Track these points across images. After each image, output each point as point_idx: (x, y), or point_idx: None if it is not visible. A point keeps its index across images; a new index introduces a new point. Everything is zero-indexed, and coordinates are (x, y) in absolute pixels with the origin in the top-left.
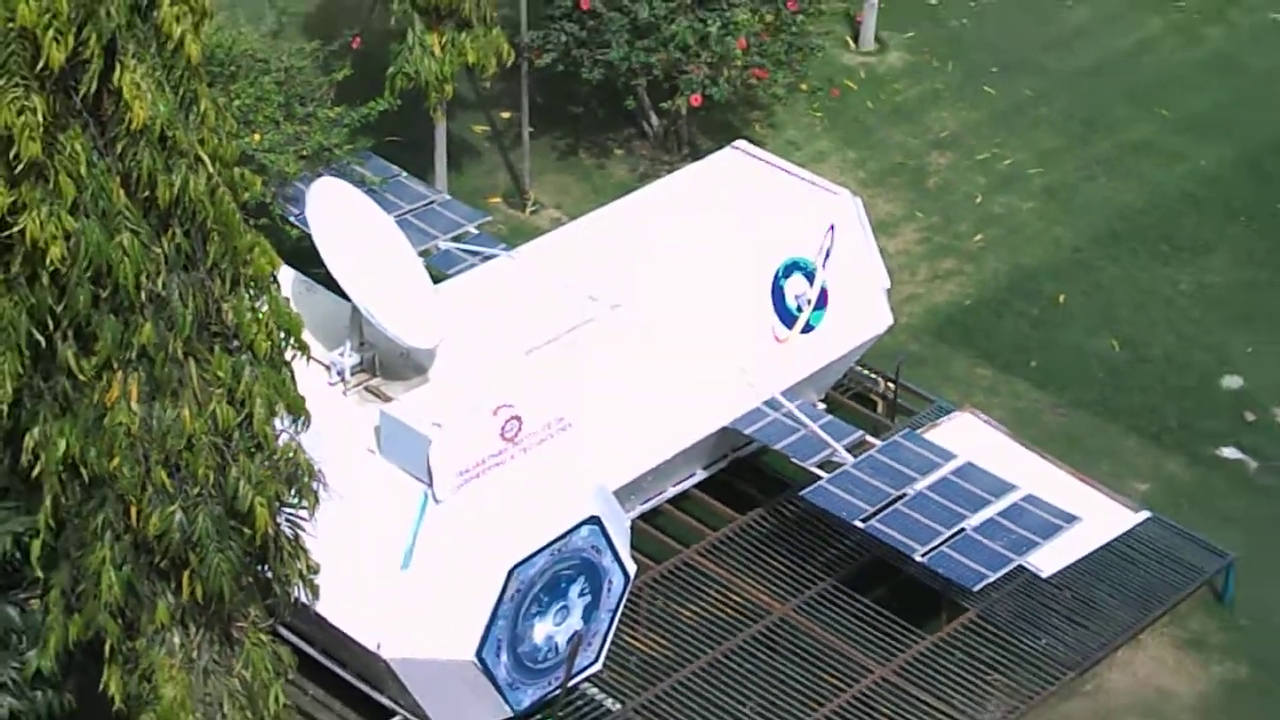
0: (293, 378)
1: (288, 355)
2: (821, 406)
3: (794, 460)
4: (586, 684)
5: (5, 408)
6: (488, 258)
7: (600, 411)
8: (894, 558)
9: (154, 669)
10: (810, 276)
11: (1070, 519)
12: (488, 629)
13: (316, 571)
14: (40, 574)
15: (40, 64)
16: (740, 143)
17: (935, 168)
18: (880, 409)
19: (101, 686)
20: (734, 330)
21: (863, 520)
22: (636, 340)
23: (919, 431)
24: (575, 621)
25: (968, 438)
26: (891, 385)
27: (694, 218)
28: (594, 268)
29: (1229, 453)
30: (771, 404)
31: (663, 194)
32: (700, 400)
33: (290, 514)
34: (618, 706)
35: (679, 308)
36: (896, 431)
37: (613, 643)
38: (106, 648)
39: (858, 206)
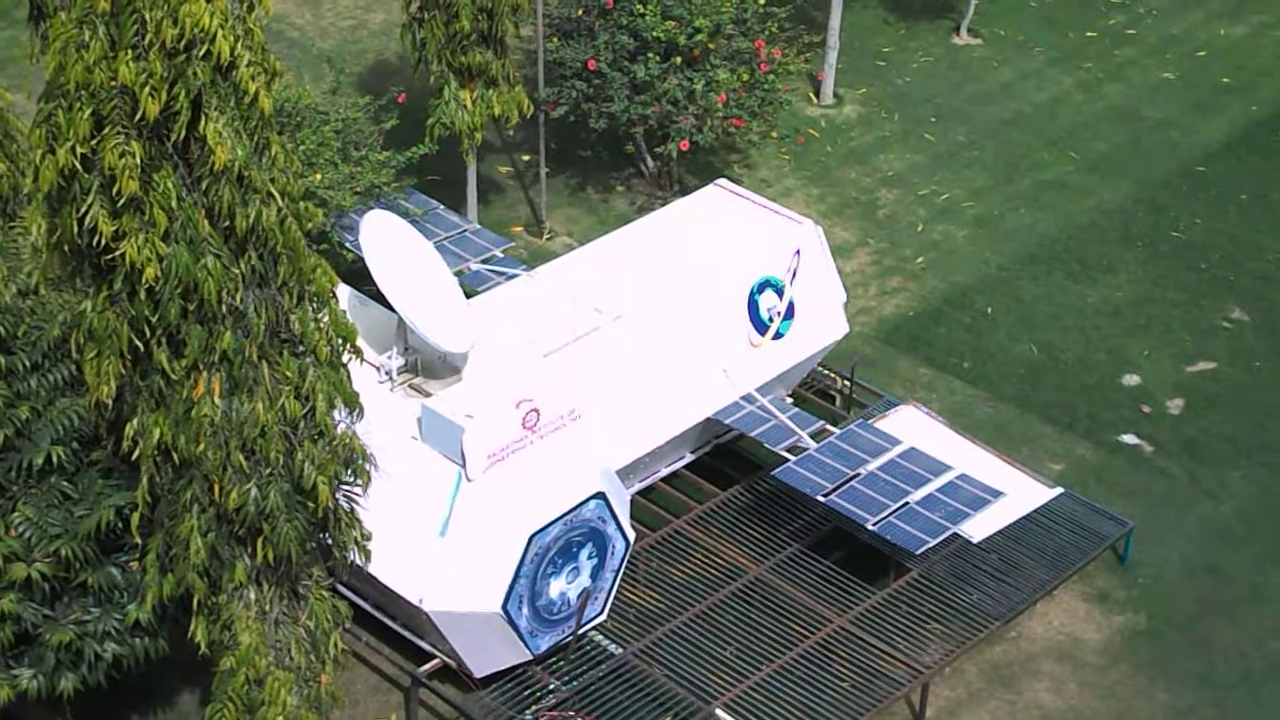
0: (349, 377)
1: (344, 358)
2: (789, 400)
3: (766, 445)
4: (594, 632)
5: (110, 402)
6: (511, 277)
7: (605, 404)
8: (850, 526)
9: (233, 620)
10: (780, 292)
11: (996, 494)
12: (511, 586)
13: (369, 539)
14: (139, 540)
15: (138, 115)
16: (721, 181)
17: (884, 201)
18: (838, 403)
19: (190, 634)
20: (716, 337)
21: (824, 495)
22: (635, 345)
23: (870, 421)
24: (584, 580)
25: (911, 427)
26: (847, 383)
27: (682, 243)
28: (600, 285)
29: (1128, 439)
30: (747, 398)
31: (657, 223)
32: (688, 395)
33: (347, 490)
34: (619, 650)
35: (670, 318)
36: (851, 421)
37: (615, 598)
38: (194, 602)
39: (819, 234)
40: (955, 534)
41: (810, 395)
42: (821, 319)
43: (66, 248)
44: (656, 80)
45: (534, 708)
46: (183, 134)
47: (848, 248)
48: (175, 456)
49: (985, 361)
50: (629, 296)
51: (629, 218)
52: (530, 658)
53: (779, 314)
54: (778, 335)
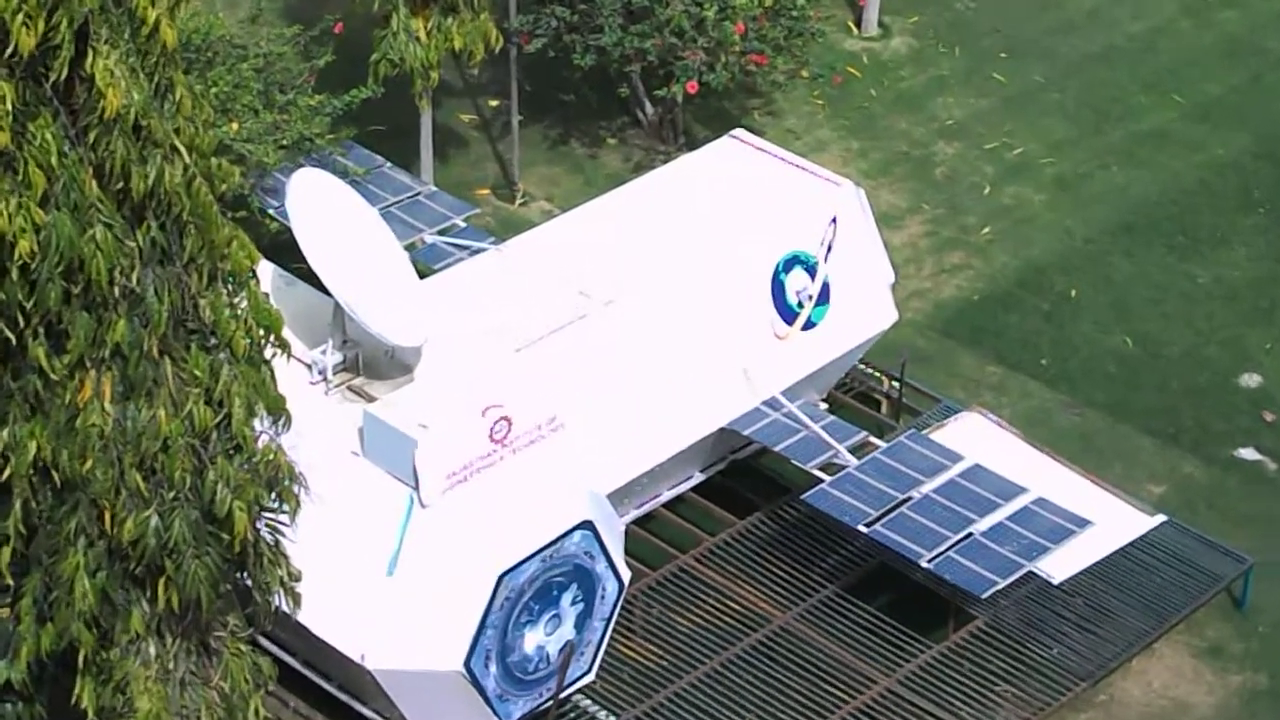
0: (273, 377)
1: (267, 353)
2: (823, 407)
3: (795, 462)
4: (579, 695)
5: None
6: (475, 252)
7: (593, 412)
8: (899, 564)
9: (129, 680)
10: (811, 271)
11: (1082, 523)
12: (476, 638)
13: (298, 579)
14: (10, 581)
15: (9, 50)
16: (738, 131)
17: (942, 157)
18: (884, 409)
19: (74, 699)
20: (732, 327)
21: (866, 525)
22: (631, 338)
23: (925, 432)
24: (567, 630)
25: (976, 438)
26: (896, 384)
27: (690, 210)
28: (586, 262)
29: (1247, 454)
30: (771, 404)
31: (658, 185)
32: (697, 400)
33: (270, 519)
34: (612, 719)
35: (675, 304)
36: (901, 432)
37: (606, 652)
38: (80, 658)
39: (860, 198)
40: (1031, 573)
41: (849, 400)
42: (863, 305)
43: None
44: (658, 5)
45: None
46: (65, 73)
47: (896, 215)
48: (56, 476)
49: (1068, 357)
50: (623, 277)
51: (622, 178)
52: None
53: (810, 298)
54: (809, 325)
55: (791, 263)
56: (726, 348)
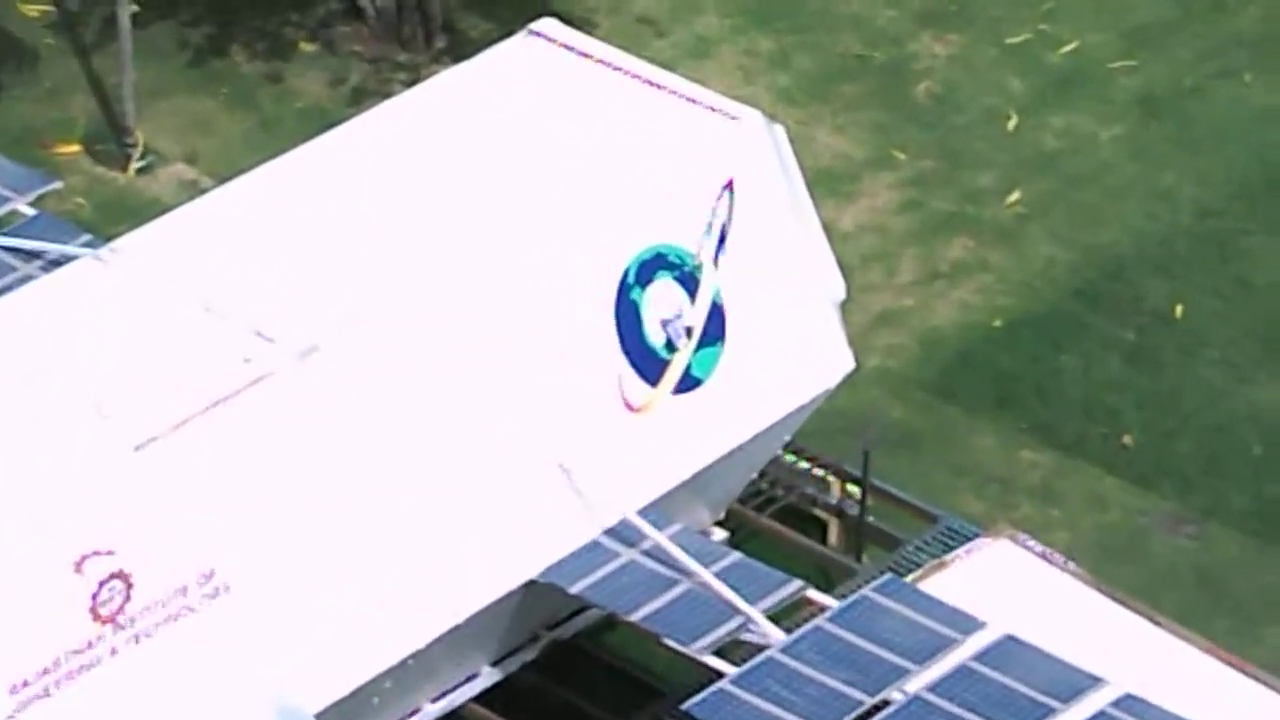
0: None
1: None
2: (719, 536)
3: (669, 641)
4: None
5: None
6: (57, 261)
7: (284, 561)
8: None
9: None
10: (689, 283)
11: None
12: None
13: None
14: None
15: None
16: (545, 24)
17: (927, 60)
18: (834, 535)
19: None
20: (542, 391)
21: None
22: (350, 418)
23: (912, 578)
24: None
25: (1005, 587)
26: (855, 488)
27: (457, 177)
28: (264, 278)
29: None
30: (620, 533)
31: (397, 131)
32: (479, 534)
33: None
34: None
35: (429, 353)
36: (869, 578)
37: None
38: None
39: (778, 142)
40: None
41: (768, 522)
42: (789, 342)
43: None
44: None
45: None
46: None
47: (849, 171)
48: None
49: (1174, 430)
50: (333, 306)
51: (330, 118)
52: None
53: (688, 333)
54: (687, 383)
55: (651, 268)
56: (531, 431)
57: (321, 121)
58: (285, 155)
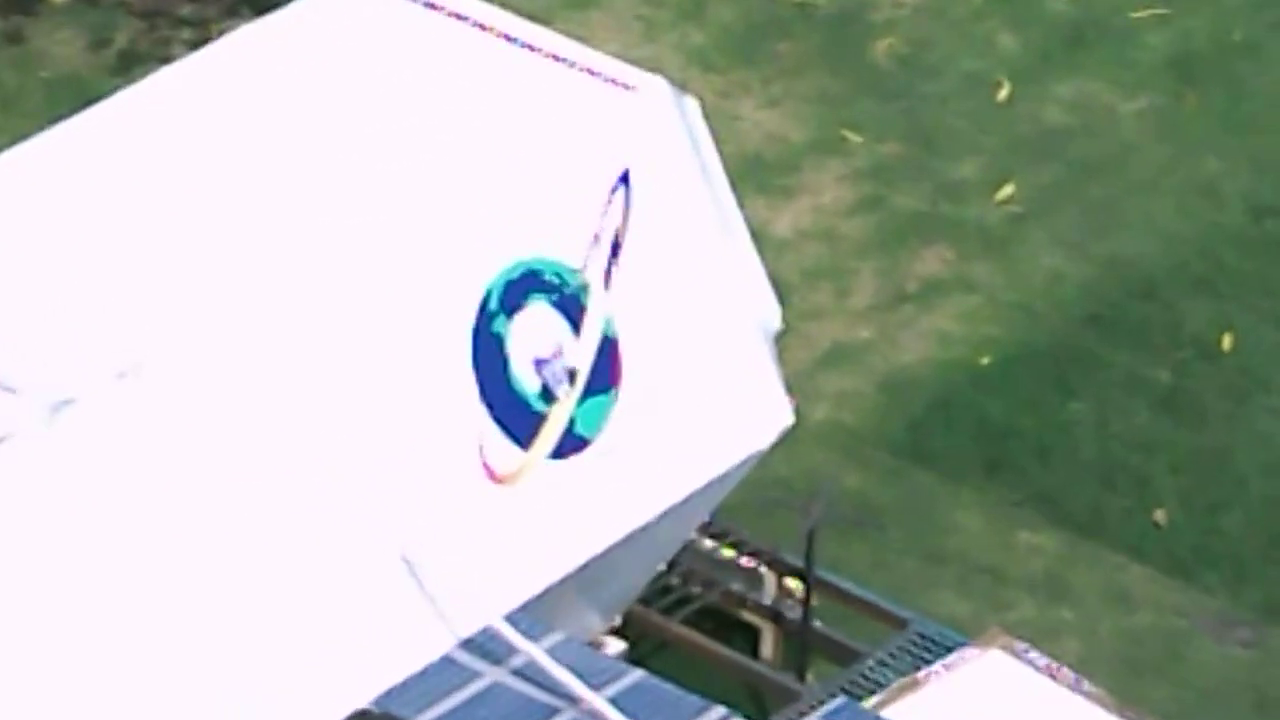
0: None
1: None
2: (615, 647)
3: None
4: None
5: None
6: None
7: (23, 685)
8: None
9: None
10: (572, 308)
11: None
12: None
13: None
14: None
15: None
16: None
17: (889, 9)
18: (770, 645)
19: None
20: (375, 459)
21: None
22: (110, 493)
23: (872, 703)
24: None
25: (999, 714)
26: (796, 583)
27: (257, 172)
28: (2, 311)
29: None
30: (483, 645)
31: (178, 108)
32: (291, 650)
33: None
34: None
35: (223, 408)
36: (816, 703)
37: None
38: None
39: (689, 118)
40: None
41: (681, 629)
42: (706, 386)
43: None
44: None
45: None
46: None
47: (786, 158)
48: None
49: (1220, 502)
50: (92, 350)
51: (89, 92)
52: None
53: (570, 377)
54: (570, 444)
55: (520, 291)
56: (361, 512)
57: (78, 96)
58: (27, 142)
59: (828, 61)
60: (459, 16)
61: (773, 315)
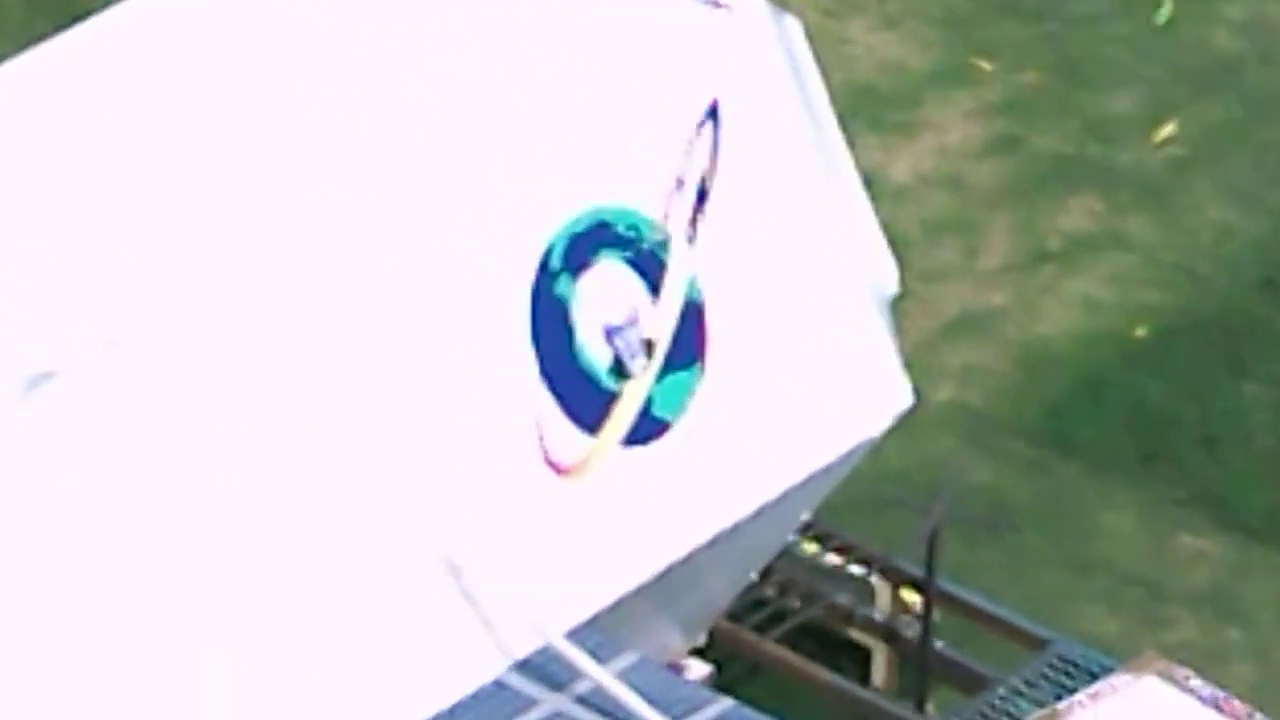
0: None
1: None
2: (698, 671)
3: None
4: None
5: None
6: None
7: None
8: None
9: None
10: (650, 267)
11: None
12: None
13: None
14: None
15: None
16: None
17: None
18: (882, 669)
19: None
20: (417, 448)
21: None
22: (105, 485)
23: None
24: None
25: None
26: (914, 596)
27: (270, 110)
28: None
29: None
30: (541, 668)
31: (182, 26)
32: (321, 670)
33: None
34: None
35: (243, 379)
36: None
37: None
38: None
39: (790, 41)
40: None
41: (777, 649)
42: (807, 361)
43: None
44: None
45: None
46: None
47: (904, 89)
48: None
49: None
50: (76, 320)
51: (59, 16)
52: None
53: (646, 348)
54: (647, 428)
55: (588, 245)
56: (401, 510)
57: (63, 11)
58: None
59: None
60: None
61: (888, 277)
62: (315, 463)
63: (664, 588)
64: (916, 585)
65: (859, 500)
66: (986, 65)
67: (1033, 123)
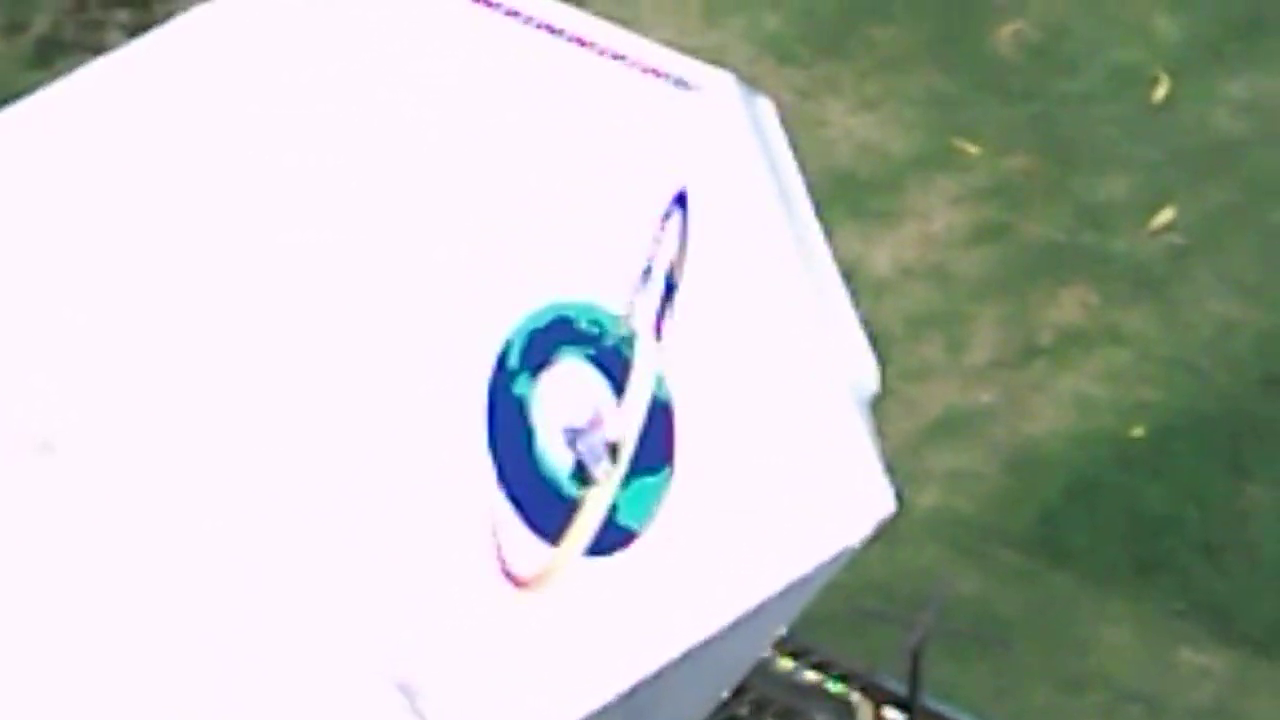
0: None
1: None
2: None
3: None
4: None
5: None
6: None
7: None
8: None
9: None
10: (614, 365)
11: None
12: None
13: None
14: None
15: None
16: None
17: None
18: None
19: None
20: (359, 561)
21: None
22: (30, 596)
23: None
24: None
25: None
26: (898, 715)
27: (215, 189)
28: None
29: None
30: None
31: (114, 111)
32: None
33: None
34: None
35: (179, 483)
36: None
37: None
38: None
39: (762, 123)
40: None
41: None
42: (783, 466)
43: None
44: None
45: None
46: None
47: (885, 174)
48: None
49: None
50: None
51: (4, 89)
52: None
53: (610, 452)
54: (611, 537)
55: (549, 343)
56: (343, 630)
57: None
58: None
59: (938, 52)
60: None
61: (869, 375)
62: (258, 577)
63: (630, 707)
64: (900, 703)
65: (838, 613)
66: (972, 148)
67: (1021, 209)
